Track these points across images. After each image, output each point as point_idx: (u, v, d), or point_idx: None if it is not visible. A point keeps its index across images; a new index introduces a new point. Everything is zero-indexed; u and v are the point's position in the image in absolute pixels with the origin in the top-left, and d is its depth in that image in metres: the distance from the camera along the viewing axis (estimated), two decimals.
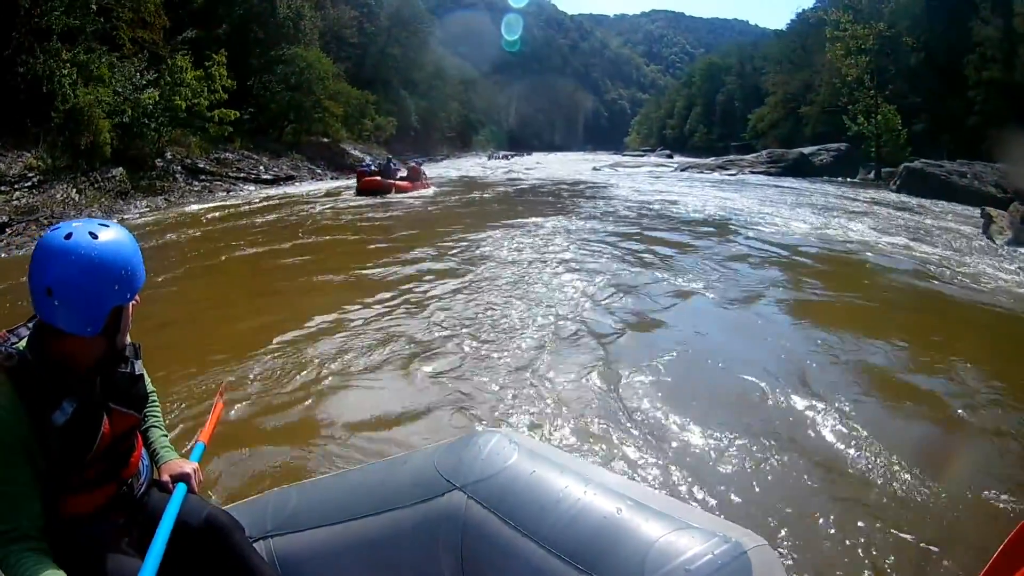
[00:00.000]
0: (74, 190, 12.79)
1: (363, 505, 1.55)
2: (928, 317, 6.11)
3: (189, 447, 1.82)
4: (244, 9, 24.22)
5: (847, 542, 2.44)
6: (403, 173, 19.13)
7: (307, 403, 3.58)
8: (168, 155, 17.08)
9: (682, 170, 33.80)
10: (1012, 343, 5.30)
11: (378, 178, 17.21)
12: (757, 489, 2.79)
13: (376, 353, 4.39)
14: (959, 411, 3.65)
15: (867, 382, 4.06)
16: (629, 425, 3.34)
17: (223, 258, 8.66)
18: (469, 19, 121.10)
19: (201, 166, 17.75)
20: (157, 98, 14.96)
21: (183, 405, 3.46)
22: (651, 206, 15.35)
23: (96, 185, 13.60)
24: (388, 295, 6.07)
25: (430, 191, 18.10)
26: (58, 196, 12.11)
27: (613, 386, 3.83)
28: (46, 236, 1.18)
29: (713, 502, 2.67)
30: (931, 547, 2.43)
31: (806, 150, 32.37)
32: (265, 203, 15.60)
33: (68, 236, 1.17)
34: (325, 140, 29.54)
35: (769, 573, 1.20)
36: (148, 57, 15.96)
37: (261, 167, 20.39)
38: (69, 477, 1.25)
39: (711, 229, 11.33)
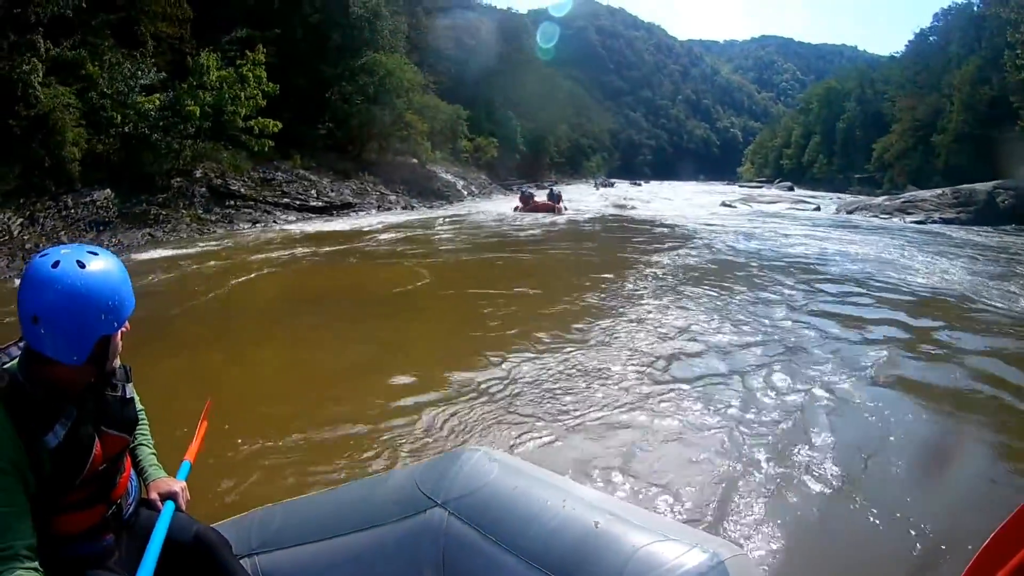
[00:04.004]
0: (20, 220, 9.25)
1: (346, 522, 1.54)
2: None
3: (176, 466, 1.62)
4: (324, 13, 21.13)
5: (825, 550, 2.41)
6: (541, 198, 22.09)
7: (291, 422, 3.43)
8: (197, 174, 13.63)
9: (848, 212, 25.36)
10: None
11: (549, 202, 20.89)
12: (735, 499, 2.69)
13: (363, 374, 4.28)
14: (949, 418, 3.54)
15: (854, 385, 3.95)
16: (608, 441, 3.23)
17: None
18: (579, 42, 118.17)
19: (234, 188, 14.13)
20: (157, 102, 11.36)
21: (168, 423, 2.94)
22: (862, 281, 9.44)
23: (64, 213, 10.08)
24: (388, 314, 5.82)
25: (564, 217, 19.81)
26: None
27: (601, 406, 3.66)
28: (34, 263, 1.14)
29: (691, 514, 2.59)
30: (910, 553, 2.35)
31: (987, 186, 22.54)
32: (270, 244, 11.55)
33: (55, 264, 1.13)
34: (414, 161, 25.90)
35: None
36: (160, 52, 12.56)
37: (314, 191, 16.50)
38: (59, 498, 1.22)
39: None
